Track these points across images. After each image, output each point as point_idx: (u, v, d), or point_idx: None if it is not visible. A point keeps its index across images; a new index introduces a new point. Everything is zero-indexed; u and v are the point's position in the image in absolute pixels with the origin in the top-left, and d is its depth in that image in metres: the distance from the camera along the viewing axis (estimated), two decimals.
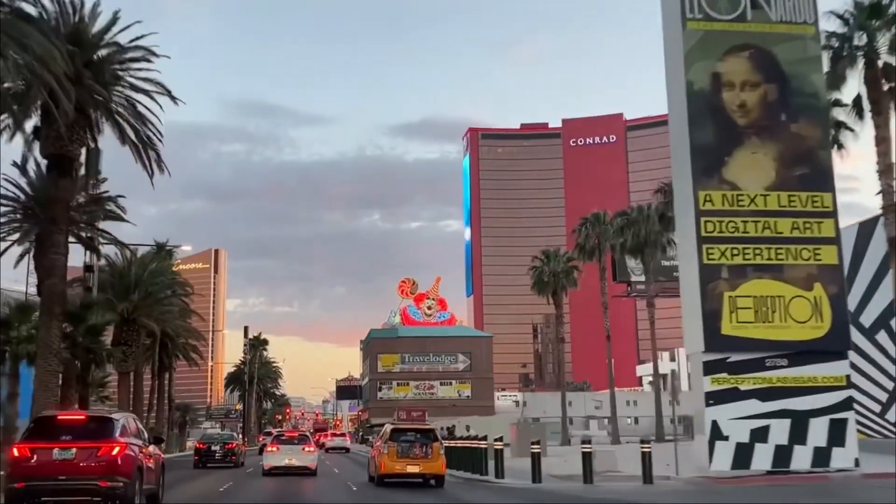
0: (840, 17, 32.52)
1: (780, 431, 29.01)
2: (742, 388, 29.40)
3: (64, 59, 27.16)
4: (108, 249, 49.37)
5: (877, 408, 41.65)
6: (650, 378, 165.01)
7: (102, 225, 39.96)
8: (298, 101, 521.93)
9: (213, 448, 43.33)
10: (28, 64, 24.74)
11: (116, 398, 56.81)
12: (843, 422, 29.16)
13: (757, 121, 30.43)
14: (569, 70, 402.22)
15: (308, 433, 45.42)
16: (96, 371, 45.72)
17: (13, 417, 36.31)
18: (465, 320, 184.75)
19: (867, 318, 41.65)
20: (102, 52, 33.15)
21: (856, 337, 36.42)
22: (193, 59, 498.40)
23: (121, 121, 32.96)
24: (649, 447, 28.63)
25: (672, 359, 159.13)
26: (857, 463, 29.04)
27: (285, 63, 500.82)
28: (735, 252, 29.26)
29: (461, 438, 41.78)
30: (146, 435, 20.15)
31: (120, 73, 33.31)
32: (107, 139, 33.24)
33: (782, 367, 29.48)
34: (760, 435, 29.03)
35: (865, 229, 41.51)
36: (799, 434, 28.88)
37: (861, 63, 32.23)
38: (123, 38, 32.99)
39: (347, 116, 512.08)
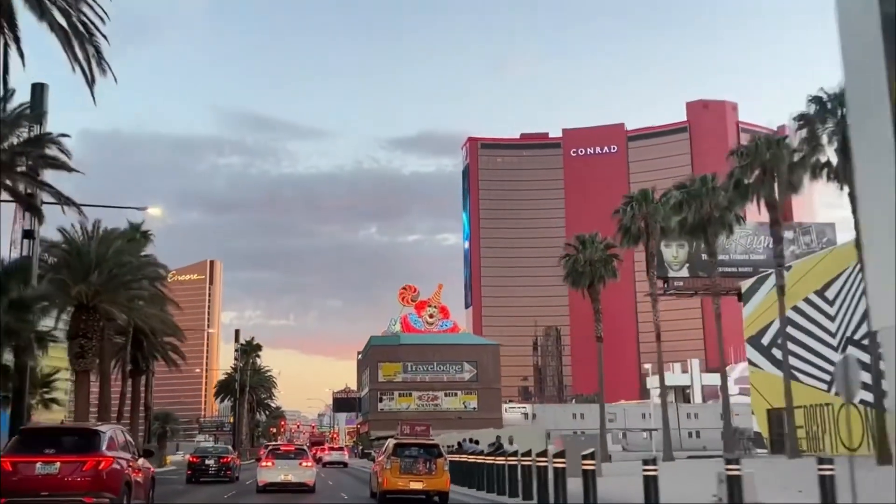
0: None
1: None
2: None
3: None
4: (65, 221, 39.49)
5: None
6: (658, 389, 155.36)
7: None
8: (296, 115, 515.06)
9: (206, 462, 41.03)
10: None
11: (75, 403, 45.80)
12: None
13: None
14: (569, 81, 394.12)
15: (305, 447, 41.73)
16: (33, 361, 35.08)
17: None
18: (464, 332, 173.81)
19: None
20: None
21: None
22: (191, 73, 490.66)
23: None
24: (832, 468, 17.58)
25: (685, 370, 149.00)
26: None
27: (284, 76, 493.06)
28: None
29: (495, 454, 32.01)
30: (135, 448, 18.80)
31: None
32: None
33: None
34: None
35: None
36: None
37: None
38: None
39: (345, 130, 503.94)
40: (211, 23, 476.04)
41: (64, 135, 29.10)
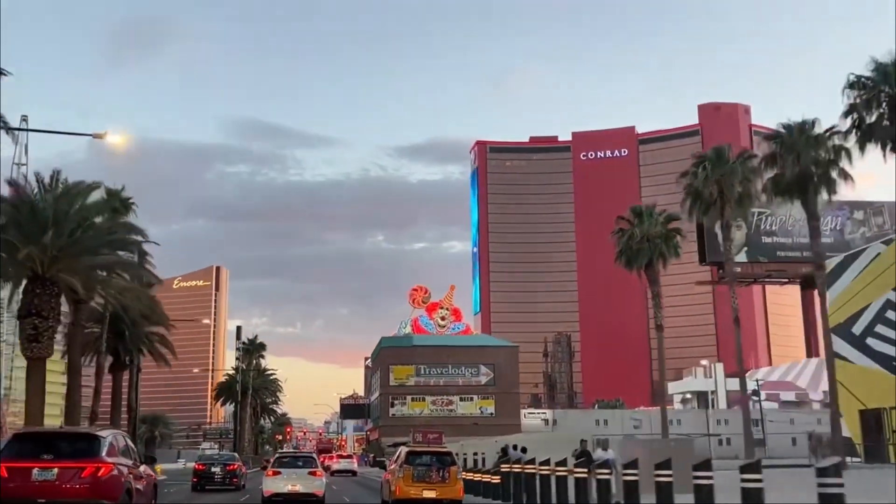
0: None
1: None
2: None
3: None
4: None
5: None
6: (682, 395, 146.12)
7: None
8: (303, 123, 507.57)
9: (212, 469, 39.28)
10: None
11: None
12: None
13: None
14: (578, 84, 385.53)
15: (313, 454, 35.69)
16: None
17: None
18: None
19: None
20: None
21: None
22: (199, 82, 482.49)
23: None
24: None
25: (708, 374, 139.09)
26: None
27: (291, 85, 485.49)
28: None
29: (579, 464, 24.54)
30: (137, 454, 17.79)
31: None
32: None
33: None
34: None
35: None
36: None
37: None
38: None
39: (352, 138, 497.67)
40: (218, 32, 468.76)
41: None
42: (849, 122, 32.83)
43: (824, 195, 36.56)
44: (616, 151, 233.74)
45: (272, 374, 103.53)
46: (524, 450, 36.64)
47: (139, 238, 38.11)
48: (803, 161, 35.18)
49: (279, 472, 28.86)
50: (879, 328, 39.12)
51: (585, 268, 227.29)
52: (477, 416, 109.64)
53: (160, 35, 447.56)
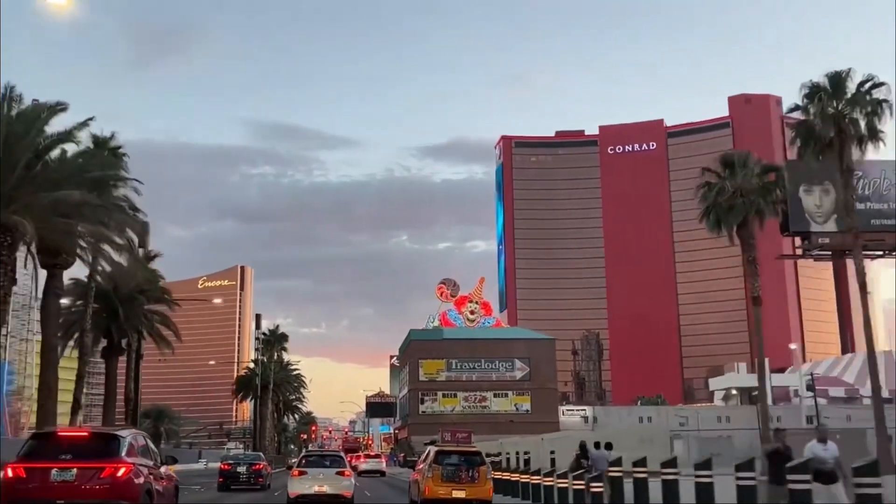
0: None
1: None
2: None
3: None
4: None
5: None
6: (723, 392, 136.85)
7: None
8: (327, 124, 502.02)
9: (238, 469, 38.60)
10: None
11: None
12: None
13: None
14: (604, 78, 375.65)
15: (341, 454, 32.43)
16: None
17: None
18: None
19: None
20: None
21: None
22: (223, 84, 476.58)
23: None
24: None
25: (752, 370, 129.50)
26: None
27: (315, 86, 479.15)
28: None
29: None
30: (158, 454, 17.10)
31: None
32: None
33: None
34: None
35: None
36: None
37: None
38: None
39: (376, 138, 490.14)
40: (242, 35, 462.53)
41: None
42: None
43: None
44: (644, 145, 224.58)
45: (295, 369, 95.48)
46: (609, 446, 28.25)
47: (124, 176, 29.83)
48: None
49: (305, 472, 26.90)
50: None
51: (614, 263, 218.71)
52: (512, 413, 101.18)
53: (185, 39, 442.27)
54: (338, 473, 27.10)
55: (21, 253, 27.02)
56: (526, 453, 52.56)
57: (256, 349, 79.68)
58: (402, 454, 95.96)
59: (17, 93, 25.06)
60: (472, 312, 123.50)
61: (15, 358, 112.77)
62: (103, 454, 14.22)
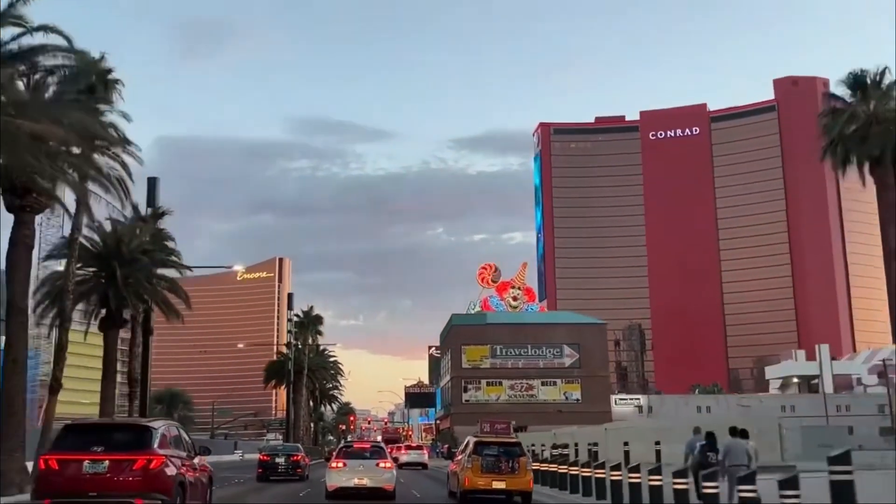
0: None
1: None
2: None
3: None
4: None
5: None
6: (779, 381, 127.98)
7: None
8: (364, 118, 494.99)
9: (276, 460, 37.98)
10: None
11: None
12: None
13: None
14: (645, 62, 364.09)
15: (382, 444, 29.63)
16: None
17: None
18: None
19: None
20: None
21: None
22: (261, 79, 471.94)
23: None
24: None
25: (811, 357, 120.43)
26: None
27: (350, 80, 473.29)
28: None
29: None
30: (192, 445, 16.58)
31: None
32: None
33: None
34: None
35: None
36: None
37: None
38: None
39: (412, 131, 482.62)
40: (280, 29, 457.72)
41: None
42: None
43: None
44: (687, 130, 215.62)
45: (332, 355, 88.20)
46: (745, 433, 20.63)
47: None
48: None
49: (344, 464, 25.55)
50: None
51: (656, 251, 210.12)
52: (561, 402, 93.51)
53: (223, 35, 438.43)
54: (379, 465, 25.45)
55: None
56: (593, 444, 45.27)
57: (289, 331, 72.64)
58: (447, 445, 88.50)
59: None
60: (514, 299, 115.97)
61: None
62: (135, 446, 13.83)
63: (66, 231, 32.74)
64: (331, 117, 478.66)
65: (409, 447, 70.13)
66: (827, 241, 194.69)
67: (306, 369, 71.19)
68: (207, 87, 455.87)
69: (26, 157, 19.62)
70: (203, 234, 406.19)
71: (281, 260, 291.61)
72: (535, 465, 32.36)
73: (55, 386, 27.06)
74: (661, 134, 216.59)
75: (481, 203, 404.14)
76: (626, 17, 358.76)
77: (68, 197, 24.85)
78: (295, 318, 72.85)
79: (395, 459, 51.23)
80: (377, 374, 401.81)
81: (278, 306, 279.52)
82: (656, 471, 20.33)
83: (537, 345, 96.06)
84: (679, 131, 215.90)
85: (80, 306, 34.11)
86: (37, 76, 24.33)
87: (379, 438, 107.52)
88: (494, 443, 24.54)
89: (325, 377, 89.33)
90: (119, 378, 38.84)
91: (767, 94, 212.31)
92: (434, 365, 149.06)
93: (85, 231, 32.67)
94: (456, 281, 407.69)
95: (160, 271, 35.80)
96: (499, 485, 23.45)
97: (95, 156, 26.19)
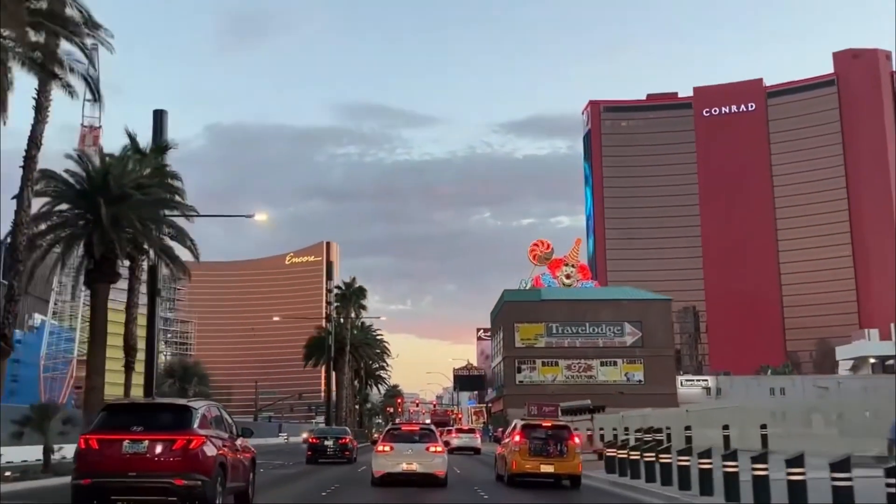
0: None
1: None
2: None
3: None
4: None
5: None
6: (850, 362, 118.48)
7: None
8: (410, 102, 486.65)
9: (325, 443, 37.94)
10: None
11: None
12: None
13: None
14: (697, 38, 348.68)
15: (432, 427, 26.67)
16: None
17: None
18: None
19: None
20: None
21: None
22: (309, 65, 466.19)
23: None
24: None
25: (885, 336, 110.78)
26: None
27: (397, 65, 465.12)
28: None
29: None
30: (234, 426, 16.05)
31: None
32: None
33: None
34: None
35: None
36: None
37: None
38: None
39: (458, 115, 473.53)
40: (326, 15, 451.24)
41: None
42: None
43: None
44: (742, 106, 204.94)
45: (377, 333, 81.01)
46: None
47: None
48: None
49: (391, 448, 23.20)
50: None
51: (710, 231, 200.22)
52: (622, 383, 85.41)
53: (270, 21, 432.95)
54: (429, 450, 23.35)
55: None
56: (686, 428, 37.57)
57: (328, 303, 65.49)
58: (500, 429, 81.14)
59: None
60: (567, 276, 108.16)
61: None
62: (175, 426, 13.51)
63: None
64: (378, 103, 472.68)
65: (460, 430, 64.03)
66: (889, 218, 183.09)
67: (349, 346, 64.15)
68: (256, 76, 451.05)
69: None
70: (254, 221, 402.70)
71: (328, 244, 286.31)
72: (612, 452, 27.21)
73: (5, 348, 19.97)
74: (715, 110, 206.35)
75: (528, 187, 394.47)
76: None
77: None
78: (336, 291, 65.84)
79: (446, 443, 45.06)
80: (425, 359, 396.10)
81: (327, 291, 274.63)
82: (796, 462, 14.15)
83: (596, 322, 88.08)
84: (734, 107, 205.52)
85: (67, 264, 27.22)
86: None
87: (427, 422, 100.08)
88: (543, 426, 24.06)
89: (370, 356, 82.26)
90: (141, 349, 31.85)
91: (826, 68, 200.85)
92: (486, 345, 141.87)
93: (71, 166, 25.78)
94: (503, 265, 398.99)
95: (163, 219, 28.59)
96: (547, 468, 22.89)
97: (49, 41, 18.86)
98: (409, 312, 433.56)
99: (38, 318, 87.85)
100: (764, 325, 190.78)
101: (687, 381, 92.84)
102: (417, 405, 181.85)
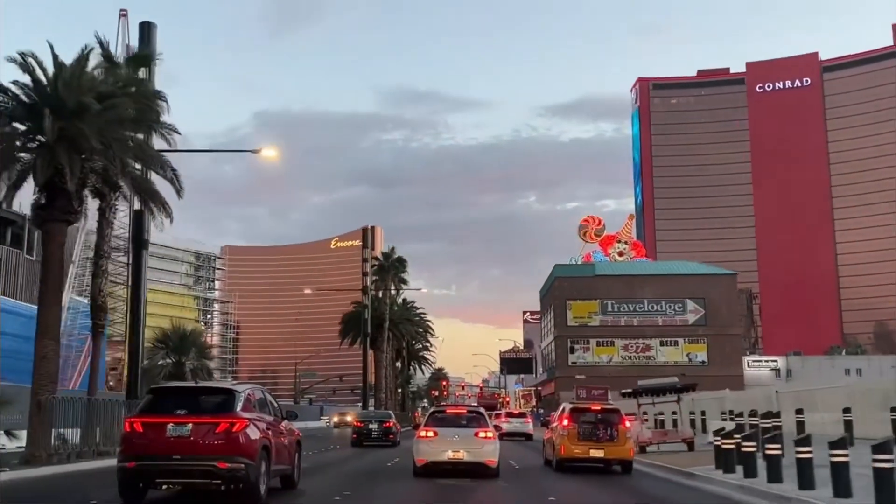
0: None
1: None
2: None
3: None
4: None
5: None
6: None
7: None
8: (454, 87, 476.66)
9: (369, 427, 37.91)
10: None
11: None
12: None
13: None
14: (749, 10, 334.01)
15: (481, 410, 22.77)
16: None
17: None
18: None
19: None
20: None
21: None
22: (353, 51, 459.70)
23: None
24: None
25: None
26: None
27: (441, 50, 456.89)
28: None
29: None
30: (278, 409, 15.93)
31: None
32: None
33: None
34: None
35: None
36: None
37: None
38: None
39: (503, 99, 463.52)
40: (369, 0, 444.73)
41: None
42: None
43: None
44: (797, 81, 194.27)
45: (420, 311, 74.12)
46: None
47: None
48: None
49: (435, 434, 20.12)
50: None
51: (764, 211, 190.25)
52: (684, 364, 77.65)
53: (313, 8, 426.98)
54: (478, 435, 20.01)
55: None
56: (798, 412, 30.30)
57: (364, 273, 58.66)
58: (553, 413, 74.28)
59: None
60: (620, 254, 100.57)
61: None
62: (218, 409, 13.41)
63: None
64: (423, 88, 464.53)
65: (510, 414, 57.91)
66: None
67: (388, 322, 57.54)
68: (300, 63, 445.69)
69: None
70: (301, 206, 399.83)
71: (373, 228, 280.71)
72: (729, 443, 20.56)
73: None
74: (768, 86, 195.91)
75: (574, 170, 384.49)
76: None
77: None
78: (374, 262, 59.19)
79: (497, 428, 39.89)
80: (470, 343, 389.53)
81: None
82: None
83: (655, 299, 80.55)
84: (788, 83, 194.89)
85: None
86: None
87: (475, 404, 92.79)
88: (592, 409, 23.14)
89: (411, 334, 75.54)
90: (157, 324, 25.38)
91: (885, 41, 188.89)
92: (530, 332, 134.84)
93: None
94: (548, 249, 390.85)
95: (143, 145, 21.87)
96: (597, 453, 22.07)
97: None
98: (454, 298, 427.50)
99: (71, 296, 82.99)
100: (820, 306, 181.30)
101: (754, 361, 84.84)
102: (463, 388, 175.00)
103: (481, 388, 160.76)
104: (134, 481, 12.95)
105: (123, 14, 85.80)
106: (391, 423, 38.74)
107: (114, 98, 20.25)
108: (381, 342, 58.03)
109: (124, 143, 21.12)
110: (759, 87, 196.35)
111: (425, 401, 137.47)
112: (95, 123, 19.67)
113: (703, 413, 44.77)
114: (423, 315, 78.30)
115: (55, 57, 20.28)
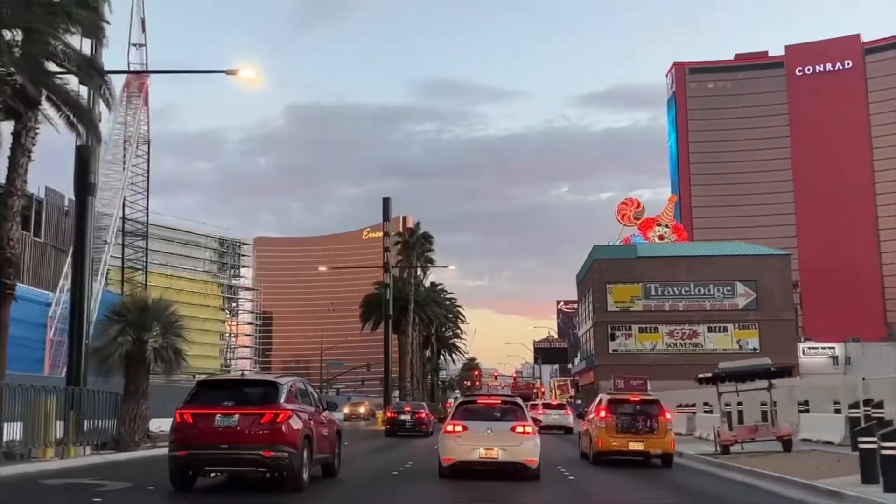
0: None
1: None
2: None
3: None
4: None
5: None
6: None
7: None
8: (486, 78, 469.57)
9: (402, 417, 39.10)
10: None
11: None
12: None
13: None
14: None
15: (518, 400, 19.40)
16: None
17: None
18: None
19: None
20: None
21: None
22: (384, 43, 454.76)
23: None
24: None
25: None
26: None
27: (472, 40, 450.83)
28: None
29: None
30: (319, 400, 16.66)
31: None
32: None
33: None
34: None
35: None
36: None
37: None
38: None
39: (535, 89, 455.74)
40: None
41: None
42: None
43: None
44: (838, 64, 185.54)
45: (448, 295, 68.00)
46: None
47: None
48: None
49: (464, 428, 17.13)
50: None
51: (804, 198, 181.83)
52: (734, 352, 70.83)
53: (343, 2, 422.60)
54: (515, 430, 16.86)
55: None
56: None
57: (386, 249, 52.62)
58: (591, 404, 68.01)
59: None
60: (660, 238, 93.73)
61: None
62: (263, 400, 13.88)
63: None
64: (454, 79, 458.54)
65: (547, 406, 51.92)
66: None
67: (412, 304, 51.75)
68: (331, 55, 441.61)
69: None
70: (334, 199, 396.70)
71: (405, 218, 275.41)
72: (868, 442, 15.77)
73: None
74: (808, 69, 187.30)
75: (607, 160, 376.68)
76: None
77: None
78: (396, 237, 53.28)
79: (535, 421, 34.22)
80: (503, 334, 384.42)
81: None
82: None
83: (702, 282, 73.89)
84: (829, 66, 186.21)
85: None
86: None
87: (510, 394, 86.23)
88: (630, 400, 22.10)
89: (439, 319, 69.52)
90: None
91: None
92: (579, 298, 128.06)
93: None
94: (581, 239, 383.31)
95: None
96: (635, 446, 20.94)
97: None
98: (487, 288, 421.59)
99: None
100: (862, 294, 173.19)
101: (810, 348, 77.83)
102: (496, 378, 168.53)
103: (515, 378, 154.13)
104: (185, 470, 13.44)
105: None
106: (423, 414, 39.64)
107: None
108: (405, 326, 52.31)
109: (43, 37, 15.21)
110: (799, 71, 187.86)
111: (457, 391, 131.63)
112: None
113: (774, 404, 38.25)
114: (452, 299, 72.38)
115: None
